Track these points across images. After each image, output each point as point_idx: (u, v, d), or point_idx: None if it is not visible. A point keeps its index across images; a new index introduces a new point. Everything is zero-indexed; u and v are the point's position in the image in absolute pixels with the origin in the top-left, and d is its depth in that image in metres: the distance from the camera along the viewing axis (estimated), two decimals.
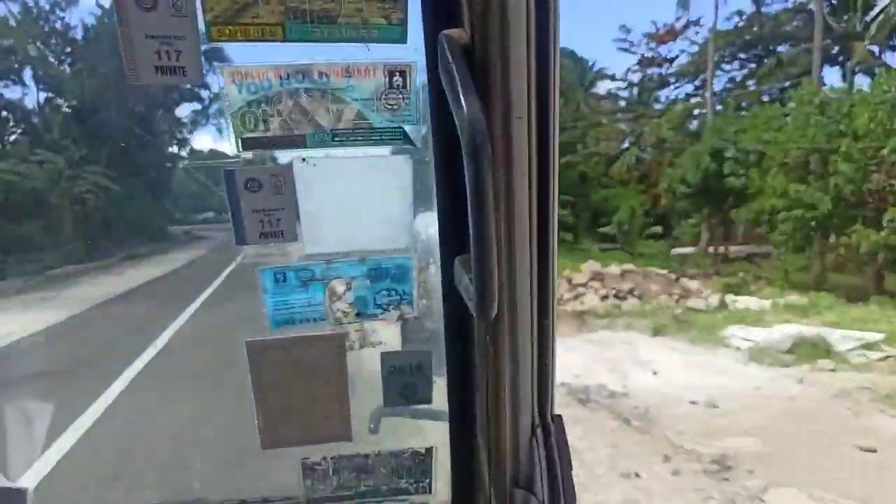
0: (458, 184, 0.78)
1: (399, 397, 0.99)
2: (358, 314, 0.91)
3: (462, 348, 0.92)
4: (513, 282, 0.73)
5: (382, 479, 1.04)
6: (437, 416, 1.21)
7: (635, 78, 26.88)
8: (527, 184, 0.68)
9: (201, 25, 0.70)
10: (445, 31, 0.66)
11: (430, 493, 1.06)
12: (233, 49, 0.73)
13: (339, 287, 0.90)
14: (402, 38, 0.73)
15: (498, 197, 0.66)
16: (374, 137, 0.79)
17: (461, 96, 0.59)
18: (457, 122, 0.62)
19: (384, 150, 0.81)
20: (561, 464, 0.90)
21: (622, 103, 27.72)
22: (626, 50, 26.81)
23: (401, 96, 0.77)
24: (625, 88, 27.66)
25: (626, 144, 25.12)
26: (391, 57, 0.76)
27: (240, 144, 0.78)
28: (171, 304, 10.95)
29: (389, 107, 0.77)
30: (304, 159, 0.80)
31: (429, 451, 1.04)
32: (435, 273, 0.91)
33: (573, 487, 0.91)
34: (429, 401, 0.99)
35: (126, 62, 0.70)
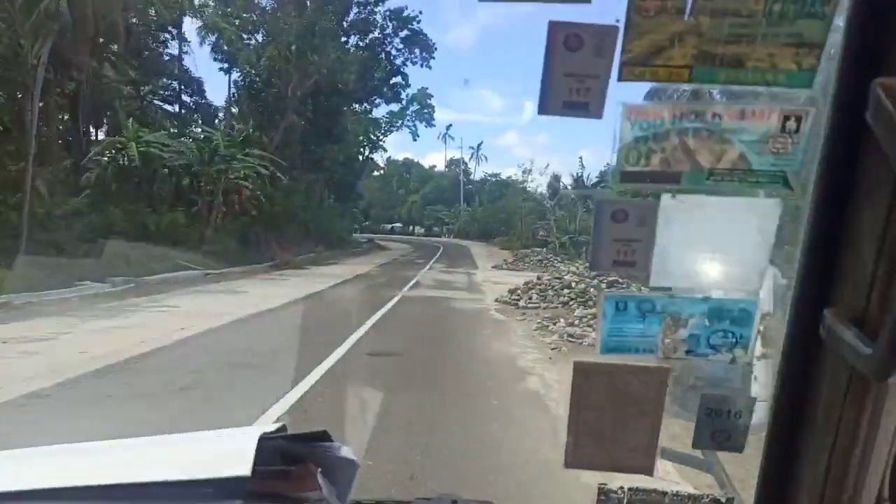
0: (834, 232, 0.77)
1: (710, 440, 0.97)
2: (688, 351, 0.92)
3: (794, 404, 0.89)
4: None
5: None
6: (708, 467, 1.18)
7: None
8: None
9: (615, 66, 0.77)
10: (880, 80, 0.66)
11: None
12: (624, 87, 0.79)
13: (675, 322, 0.92)
14: (808, 84, 0.75)
15: None
16: (750, 179, 0.81)
17: None
18: None
19: (756, 193, 0.82)
20: None
21: None
22: None
23: (790, 141, 0.78)
24: None
25: None
26: (783, 99, 0.78)
27: (618, 177, 0.83)
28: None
29: (775, 150, 0.79)
30: (673, 195, 0.84)
31: (730, 500, 1.01)
32: (778, 322, 0.90)
33: None
34: (739, 450, 0.96)
35: (541, 95, 0.79)
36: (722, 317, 0.90)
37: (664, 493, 1.02)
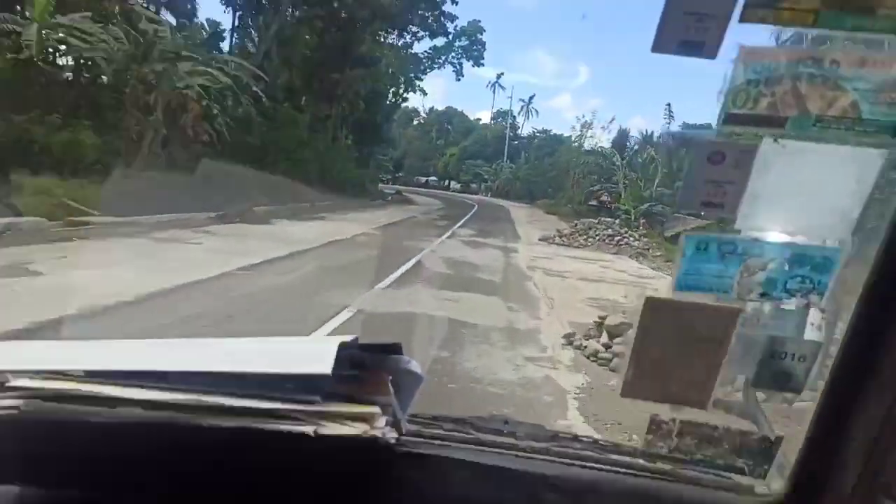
0: None
1: (771, 381, 1.02)
2: (763, 294, 0.95)
3: (866, 348, 0.92)
4: None
5: (720, 452, 1.09)
6: (753, 416, 1.23)
7: None
8: None
9: (737, 6, 0.75)
10: None
11: (763, 479, 1.09)
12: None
13: (755, 265, 0.94)
14: None
15: None
16: (858, 128, 0.81)
17: None
18: None
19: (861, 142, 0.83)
20: None
21: None
22: None
23: None
24: None
25: None
26: None
27: (723, 118, 0.84)
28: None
29: (890, 100, 0.78)
30: (775, 139, 0.84)
31: (778, 439, 1.07)
32: (857, 271, 0.92)
33: None
34: (799, 391, 1.01)
35: (657, 31, 0.78)
36: (803, 262, 0.93)
37: (715, 427, 1.08)
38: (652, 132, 33.86)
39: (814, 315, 1.03)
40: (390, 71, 35.65)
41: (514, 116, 72.18)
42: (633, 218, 24.08)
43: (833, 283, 0.93)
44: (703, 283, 0.97)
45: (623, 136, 37.62)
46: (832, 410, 0.98)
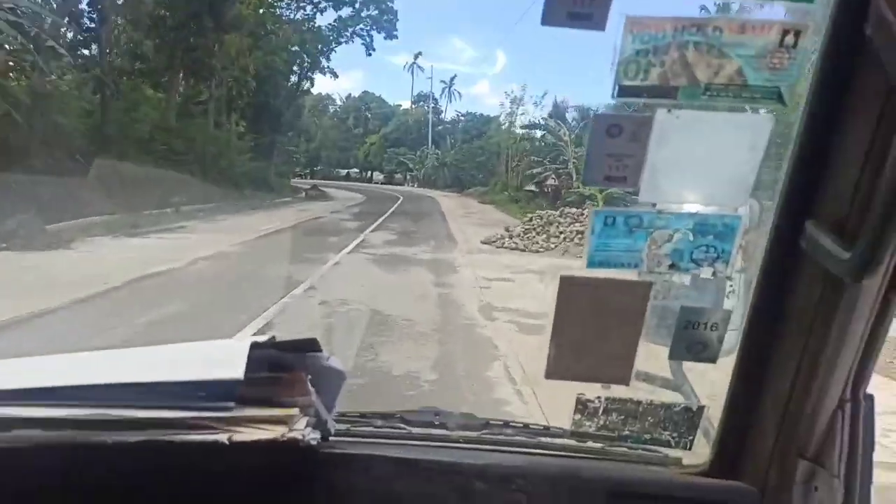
0: (822, 146, 0.80)
1: (686, 352, 1.04)
2: (671, 266, 0.97)
3: (770, 312, 0.94)
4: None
5: (647, 427, 1.11)
6: (677, 387, 1.26)
7: None
8: None
9: None
10: None
11: (689, 449, 1.11)
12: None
13: (661, 237, 0.95)
14: None
15: None
16: (744, 94, 0.83)
17: None
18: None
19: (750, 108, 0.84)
20: (864, 443, 0.91)
21: None
22: None
23: (787, 56, 0.80)
24: None
25: None
26: (781, 15, 0.79)
27: (616, 91, 0.84)
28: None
29: (772, 66, 0.80)
30: (669, 110, 0.85)
31: (700, 409, 1.09)
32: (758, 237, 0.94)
33: (871, 469, 0.92)
34: (714, 360, 1.03)
35: (546, 4, 0.78)
36: (706, 232, 0.94)
37: (639, 402, 1.10)
38: (590, 106, 27.43)
39: (722, 283, 1.05)
40: (290, 48, 31.16)
41: (436, 100, 65.75)
42: (599, 205, 20.72)
43: (736, 250, 0.95)
44: (613, 259, 0.97)
45: (560, 110, 31.75)
46: (746, 377, 1.01)
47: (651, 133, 0.87)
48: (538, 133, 32.74)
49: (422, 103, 66.13)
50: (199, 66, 22.83)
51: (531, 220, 16.61)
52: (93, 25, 19.70)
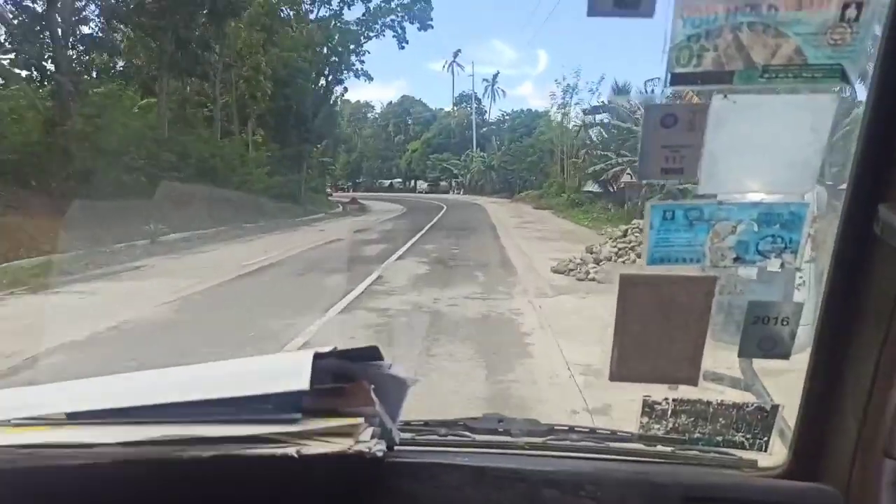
0: (891, 126, 0.76)
1: (756, 349, 0.99)
2: (736, 258, 0.93)
3: (845, 304, 0.90)
4: None
5: (719, 429, 1.06)
6: (748, 386, 1.20)
7: None
8: None
9: None
10: None
11: (765, 451, 1.06)
12: None
13: (724, 230, 0.92)
14: None
15: None
16: (805, 74, 0.80)
17: None
18: None
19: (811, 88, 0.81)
20: None
21: None
22: None
23: (849, 31, 0.77)
24: None
25: None
26: None
27: (668, 79, 0.82)
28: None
29: (832, 42, 0.77)
30: (725, 96, 0.83)
31: (775, 408, 1.04)
32: (828, 224, 0.90)
33: None
34: (786, 356, 0.98)
35: None
36: (771, 221, 0.91)
37: (709, 403, 1.05)
38: (653, 88, 22.51)
39: (791, 275, 1.01)
40: (316, 48, 27.71)
41: (479, 100, 61.23)
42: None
43: (805, 239, 0.91)
44: (674, 254, 0.94)
45: (623, 91, 26.90)
46: (823, 372, 0.96)
47: (707, 121, 0.85)
48: (600, 120, 27.04)
49: (464, 104, 62.07)
50: (192, 63, 18.07)
51: (626, 234, 11.18)
52: (39, 9, 14.78)
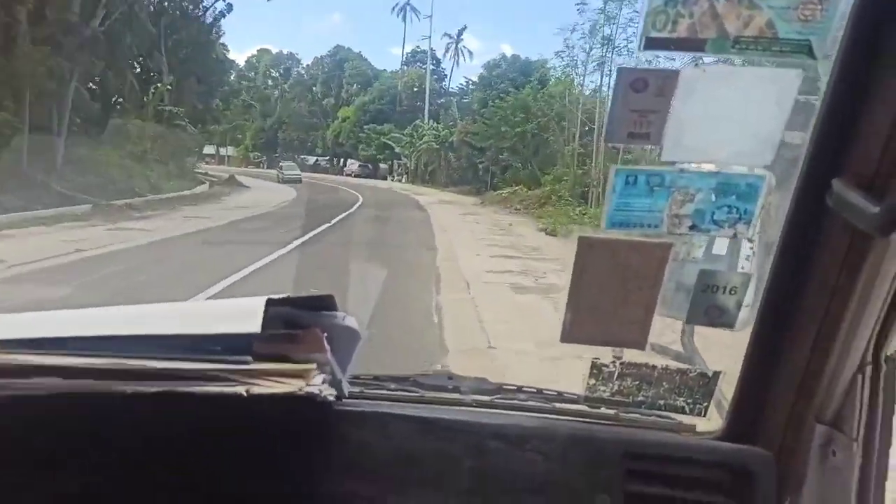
0: (851, 102, 0.80)
1: (703, 316, 1.04)
2: (692, 227, 0.97)
3: (793, 273, 0.95)
4: None
5: (661, 393, 1.11)
6: (689, 359, 1.26)
7: None
8: None
9: None
10: None
11: (703, 416, 1.12)
12: None
13: (682, 197, 0.95)
14: None
15: None
16: (774, 48, 0.82)
17: None
18: None
19: (777, 62, 0.84)
20: (885, 407, 0.92)
21: None
22: None
23: (819, 8, 0.79)
24: None
25: None
26: None
27: (643, 43, 0.83)
28: None
29: (803, 17, 0.80)
30: (696, 64, 0.85)
31: (716, 375, 1.09)
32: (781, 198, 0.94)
33: (891, 433, 0.93)
34: (731, 326, 1.03)
35: None
36: (728, 192, 0.94)
37: (654, 367, 1.10)
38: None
39: (743, 246, 1.05)
40: None
41: (438, 60, 46.04)
42: None
43: (758, 212, 0.95)
44: (633, 219, 0.97)
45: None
46: (765, 340, 1.01)
47: (677, 88, 0.87)
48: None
49: (417, 64, 46.58)
50: None
51: None
52: None
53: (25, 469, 0.96)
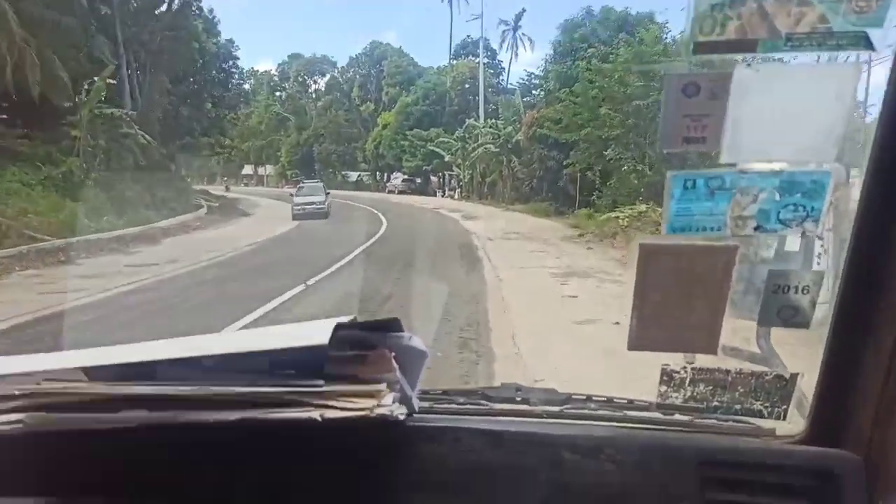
0: None
1: (776, 318, 1.02)
2: (757, 227, 0.96)
3: (868, 268, 0.92)
4: None
5: (737, 397, 1.09)
6: (766, 361, 1.23)
7: None
8: None
9: None
10: None
11: (783, 419, 1.09)
12: None
13: (745, 198, 0.95)
14: None
15: None
16: (830, 42, 0.82)
17: None
18: None
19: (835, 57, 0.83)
20: None
21: None
22: None
23: None
24: None
25: None
26: None
27: (692, 48, 0.84)
28: None
29: (858, 9, 0.79)
30: (748, 64, 0.85)
31: (794, 377, 1.07)
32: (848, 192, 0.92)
33: None
34: (806, 325, 1.01)
35: None
36: (793, 190, 0.93)
37: (727, 372, 1.09)
38: None
39: (814, 244, 1.03)
40: None
41: (494, 52, 38.76)
42: None
43: (826, 208, 0.93)
44: (694, 223, 0.97)
45: None
46: (844, 339, 0.98)
47: (730, 90, 0.87)
48: None
49: (469, 56, 38.82)
50: None
51: None
52: None
53: (117, 499, 1.04)
